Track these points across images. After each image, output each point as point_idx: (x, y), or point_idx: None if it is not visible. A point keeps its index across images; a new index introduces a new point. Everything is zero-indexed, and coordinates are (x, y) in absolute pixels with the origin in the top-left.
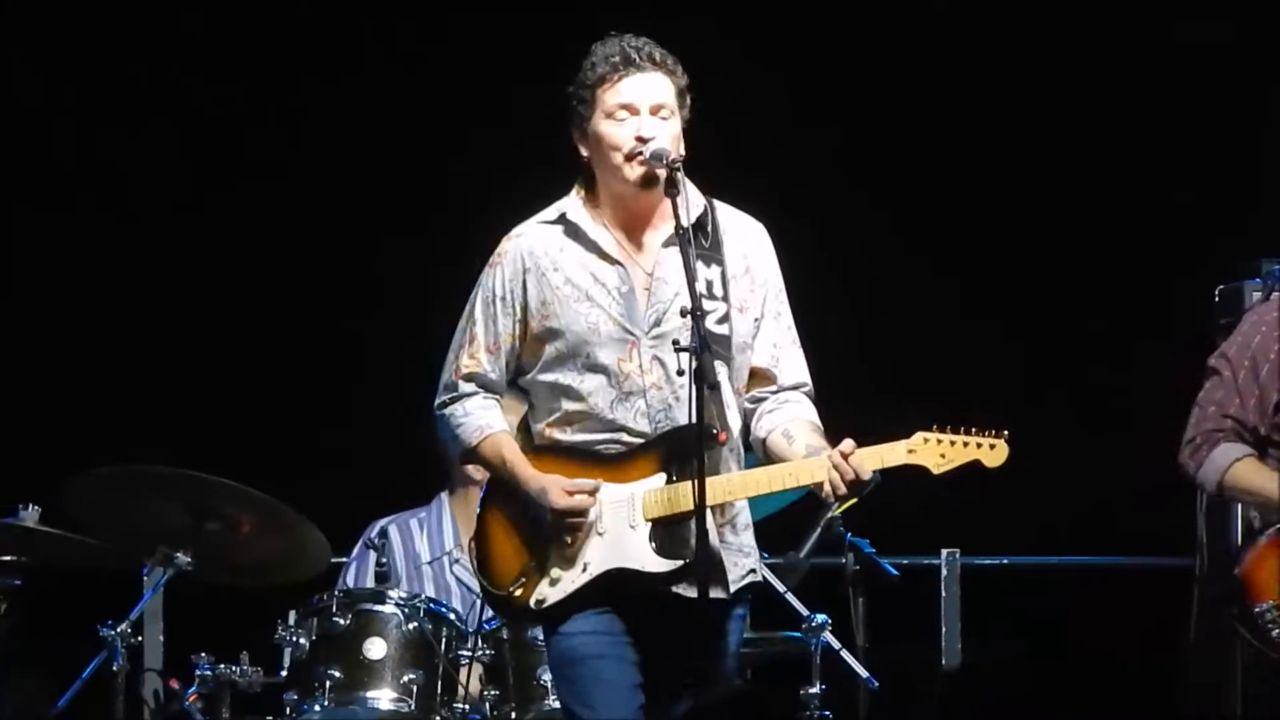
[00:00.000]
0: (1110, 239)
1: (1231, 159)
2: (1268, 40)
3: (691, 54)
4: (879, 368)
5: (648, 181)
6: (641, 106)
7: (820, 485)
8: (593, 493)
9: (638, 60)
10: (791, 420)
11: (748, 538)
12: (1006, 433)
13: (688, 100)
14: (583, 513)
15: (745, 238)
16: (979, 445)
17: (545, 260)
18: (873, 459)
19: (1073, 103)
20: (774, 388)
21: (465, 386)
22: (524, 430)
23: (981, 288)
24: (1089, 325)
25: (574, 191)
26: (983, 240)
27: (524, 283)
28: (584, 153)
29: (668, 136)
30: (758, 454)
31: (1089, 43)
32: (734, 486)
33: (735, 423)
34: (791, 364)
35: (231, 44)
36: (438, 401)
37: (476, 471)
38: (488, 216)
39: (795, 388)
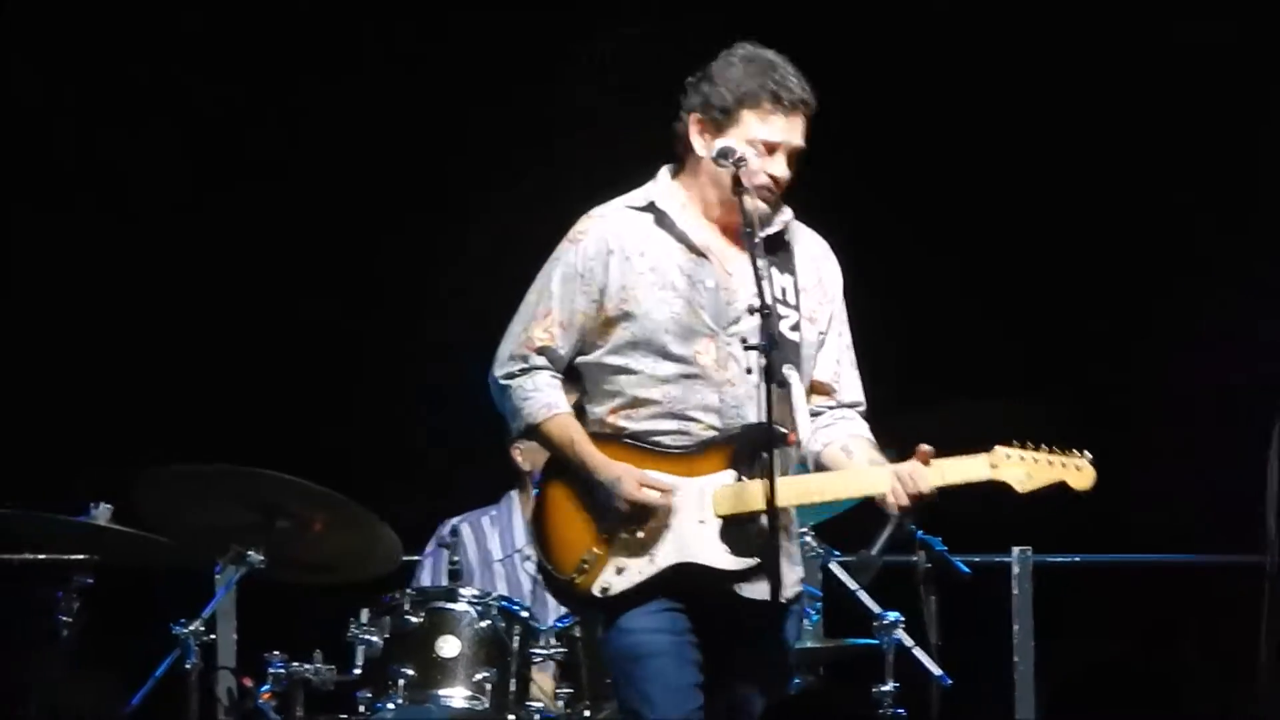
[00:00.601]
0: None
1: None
2: (1267, 40)
3: (697, 52)
4: (911, 372)
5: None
6: (782, 149)
7: (883, 497)
8: (668, 491)
9: (799, 102)
10: (851, 436)
11: (797, 547)
12: (1089, 454)
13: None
14: (655, 509)
15: (817, 253)
16: (1064, 465)
17: (630, 244)
18: (953, 472)
19: (1080, 102)
20: (832, 403)
21: (536, 359)
22: (579, 416)
23: (1042, 288)
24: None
25: (663, 178)
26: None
27: (606, 263)
28: (697, 149)
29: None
30: (809, 468)
31: (1093, 43)
32: (804, 489)
33: (806, 427)
34: (850, 382)
35: (231, 44)
36: (504, 371)
37: (525, 462)
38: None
39: (852, 405)
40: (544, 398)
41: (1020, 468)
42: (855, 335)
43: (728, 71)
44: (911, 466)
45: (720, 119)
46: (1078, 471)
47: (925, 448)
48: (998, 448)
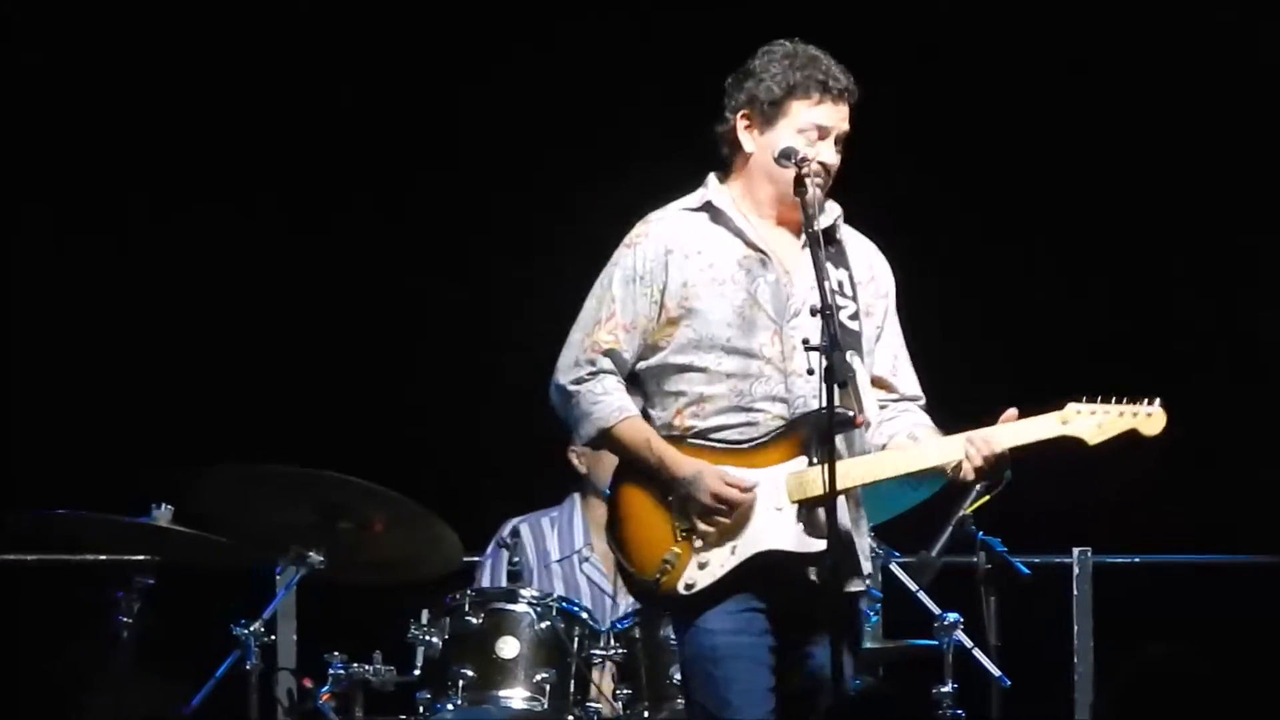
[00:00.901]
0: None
1: None
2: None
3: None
4: (983, 362)
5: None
6: (831, 134)
7: (958, 464)
8: (748, 490)
9: (844, 90)
10: (916, 425)
11: (868, 541)
12: (1159, 399)
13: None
14: (735, 505)
15: (868, 251)
16: (1134, 414)
17: (688, 243)
18: (1025, 432)
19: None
20: (894, 396)
21: (604, 363)
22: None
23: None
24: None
25: (711, 182)
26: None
27: (665, 264)
28: (746, 146)
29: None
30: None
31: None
32: (874, 467)
33: (873, 409)
34: (908, 376)
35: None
36: (570, 377)
37: (582, 465)
38: (605, 207)
39: (913, 399)
40: (615, 401)
41: (1090, 420)
42: (953, 332)
43: (772, 66)
44: (984, 431)
45: (769, 111)
46: (1148, 418)
47: (1011, 411)
48: (1068, 404)
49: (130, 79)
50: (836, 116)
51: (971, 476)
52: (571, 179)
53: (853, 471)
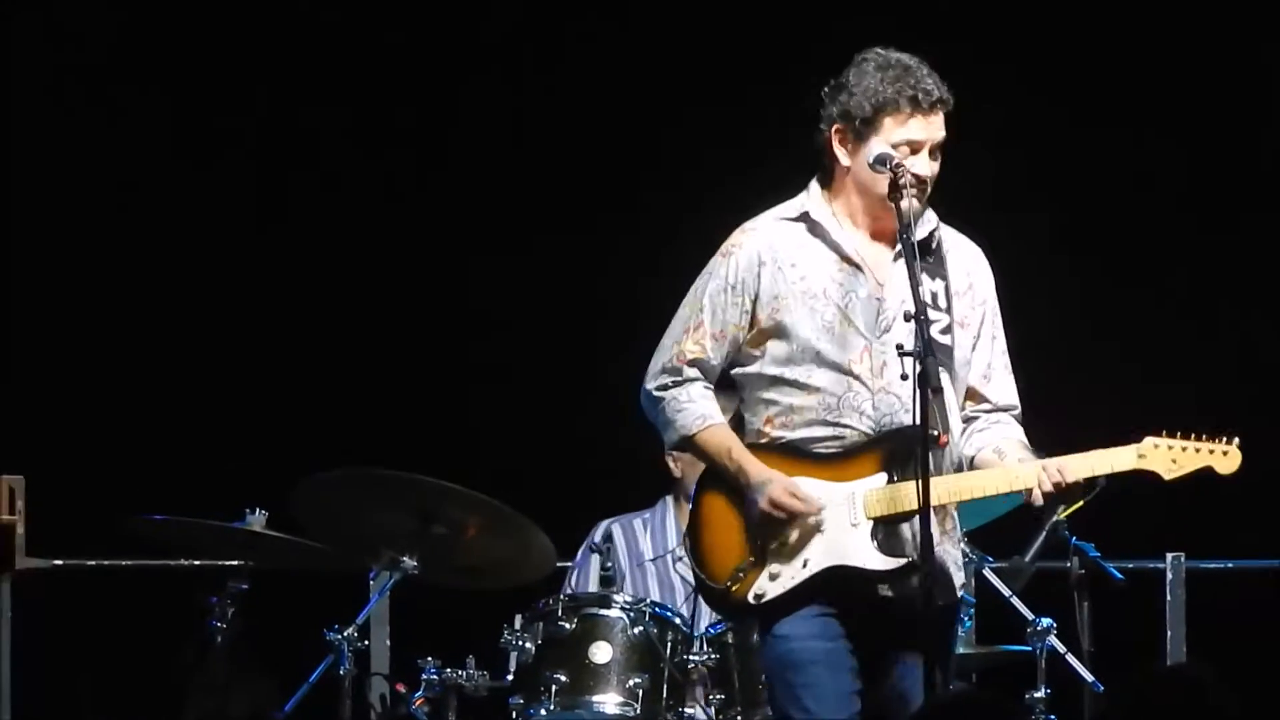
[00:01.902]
0: None
1: None
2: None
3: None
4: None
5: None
6: (924, 146)
7: (1030, 491)
8: (815, 509)
9: (935, 101)
10: (1004, 439)
11: (959, 550)
12: (1238, 439)
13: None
14: (794, 516)
15: (968, 257)
16: (1211, 451)
17: (784, 255)
18: (1101, 463)
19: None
20: (986, 407)
21: (689, 371)
22: (736, 426)
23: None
24: None
25: (813, 190)
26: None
27: (759, 274)
28: (841, 159)
29: (935, 172)
30: (963, 471)
31: None
32: (954, 487)
33: (958, 429)
34: (1003, 385)
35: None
36: (656, 384)
37: (676, 468)
38: (702, 217)
39: (1006, 409)
40: (698, 409)
41: (1167, 455)
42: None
43: (864, 80)
44: (1059, 460)
45: (860, 128)
46: (1224, 457)
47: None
48: (1146, 438)
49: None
50: (929, 129)
51: (1040, 502)
52: (678, 190)
53: (935, 490)
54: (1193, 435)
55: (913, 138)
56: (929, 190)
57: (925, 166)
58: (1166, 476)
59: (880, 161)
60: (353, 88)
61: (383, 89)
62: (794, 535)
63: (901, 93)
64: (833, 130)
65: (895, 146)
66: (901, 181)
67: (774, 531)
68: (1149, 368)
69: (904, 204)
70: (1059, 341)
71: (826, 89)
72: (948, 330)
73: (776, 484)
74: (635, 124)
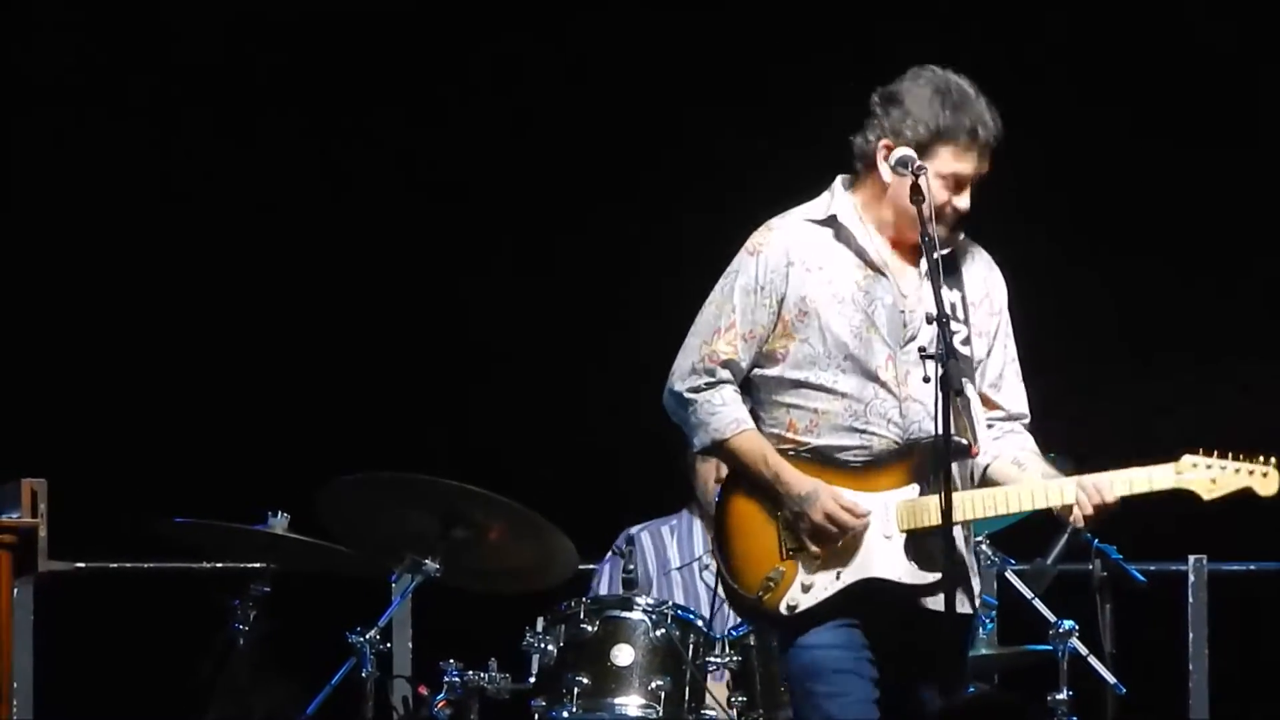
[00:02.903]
0: None
1: None
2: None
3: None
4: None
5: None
6: (970, 180)
7: (1069, 509)
8: (862, 516)
9: (990, 136)
10: (1021, 449)
11: (974, 558)
12: (1276, 459)
13: None
14: (846, 529)
15: (983, 266)
16: (1250, 472)
17: (810, 257)
18: (1139, 481)
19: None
20: (999, 415)
21: (722, 373)
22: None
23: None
24: None
25: (843, 192)
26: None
27: (786, 275)
28: (884, 174)
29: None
30: (975, 481)
31: None
32: (990, 502)
33: (985, 438)
34: (1014, 393)
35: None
36: (687, 385)
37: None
38: (741, 205)
39: (1017, 418)
40: (732, 413)
41: (1206, 475)
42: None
43: (922, 102)
44: (1096, 478)
45: (917, 154)
46: (1264, 478)
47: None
48: (1185, 456)
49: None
50: (979, 163)
51: (1081, 524)
52: (690, 192)
53: (966, 505)
54: (1230, 455)
55: (962, 171)
56: (963, 223)
57: (966, 202)
58: (1206, 497)
59: (902, 164)
60: (357, 89)
61: (382, 90)
62: (829, 545)
63: (961, 125)
64: (881, 144)
65: (943, 176)
66: (921, 183)
67: (811, 541)
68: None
69: (926, 210)
70: (1076, 351)
71: (878, 98)
72: (966, 341)
73: (824, 494)
74: (634, 124)
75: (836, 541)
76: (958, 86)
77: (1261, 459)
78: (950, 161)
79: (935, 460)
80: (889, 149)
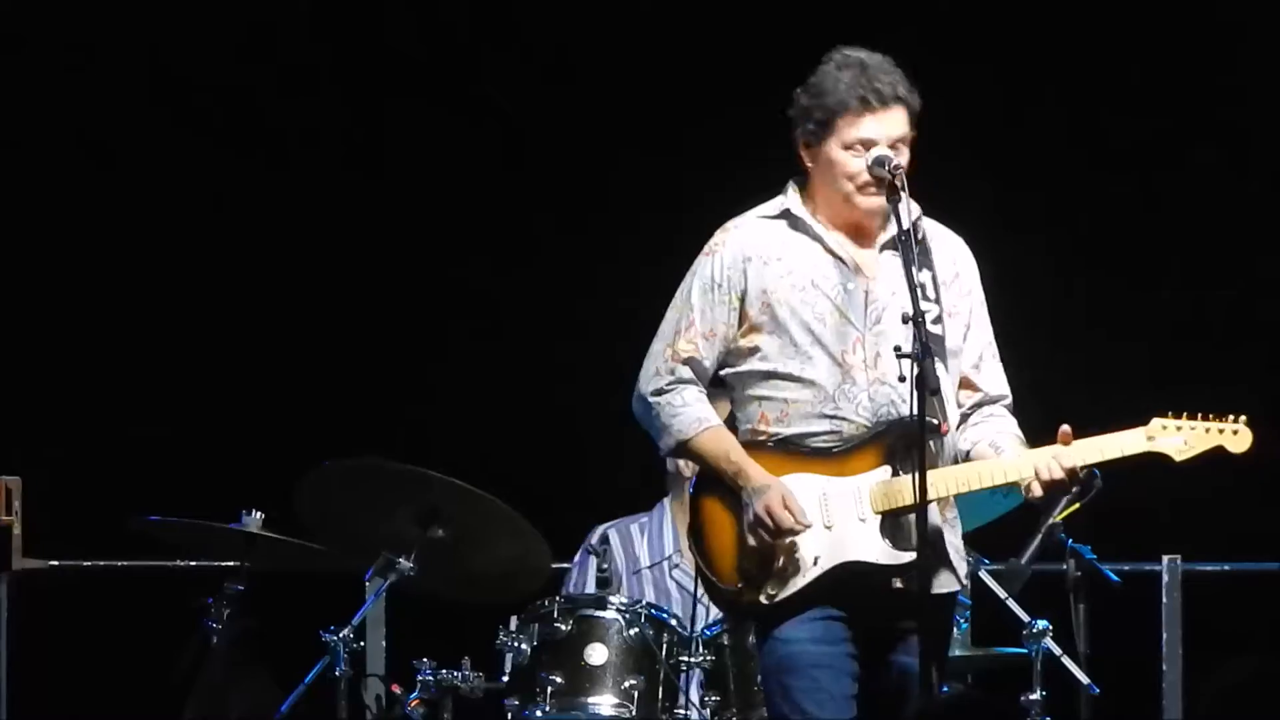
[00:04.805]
0: None
1: None
2: None
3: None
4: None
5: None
6: (880, 142)
7: (1029, 482)
8: (804, 526)
9: (885, 98)
10: (999, 433)
11: (960, 540)
12: (1245, 416)
13: (916, 119)
14: (780, 527)
15: (953, 248)
16: (1221, 430)
17: (768, 251)
18: (1110, 447)
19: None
20: (979, 397)
21: (683, 371)
22: (731, 426)
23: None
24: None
25: (791, 191)
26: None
27: (744, 271)
28: (808, 164)
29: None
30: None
31: None
32: (958, 479)
33: (955, 417)
34: (993, 374)
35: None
36: (651, 388)
37: (687, 468)
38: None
39: (997, 400)
40: (694, 412)
41: (1177, 437)
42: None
43: (824, 83)
44: (1055, 449)
45: (818, 130)
46: (1235, 435)
47: (1065, 429)
48: (1154, 420)
49: None
50: (883, 126)
51: (1039, 493)
52: (669, 192)
53: (937, 484)
54: (1199, 415)
55: (864, 136)
56: (888, 164)
57: (905, 158)
58: (1178, 458)
59: (879, 164)
60: (359, 90)
61: (387, 88)
62: (801, 535)
63: (852, 92)
64: (797, 134)
65: (849, 146)
66: (899, 184)
67: (752, 534)
68: (1151, 365)
69: (902, 207)
70: (1055, 334)
71: (797, 92)
72: (938, 320)
73: (774, 492)
74: (623, 120)
75: (769, 540)
76: (856, 59)
77: (1231, 418)
78: (849, 130)
79: (906, 442)
80: (807, 148)
